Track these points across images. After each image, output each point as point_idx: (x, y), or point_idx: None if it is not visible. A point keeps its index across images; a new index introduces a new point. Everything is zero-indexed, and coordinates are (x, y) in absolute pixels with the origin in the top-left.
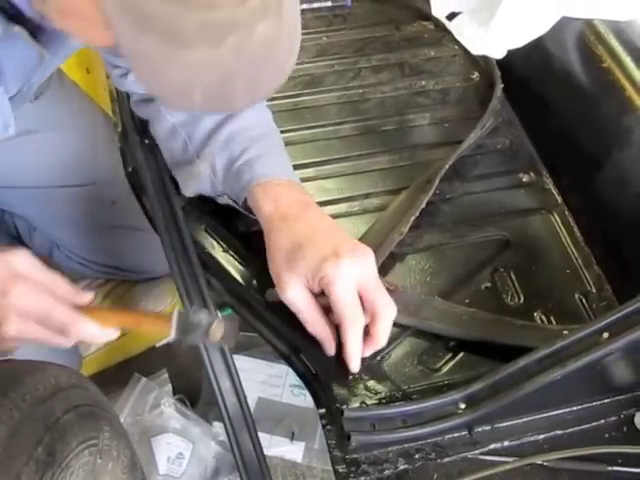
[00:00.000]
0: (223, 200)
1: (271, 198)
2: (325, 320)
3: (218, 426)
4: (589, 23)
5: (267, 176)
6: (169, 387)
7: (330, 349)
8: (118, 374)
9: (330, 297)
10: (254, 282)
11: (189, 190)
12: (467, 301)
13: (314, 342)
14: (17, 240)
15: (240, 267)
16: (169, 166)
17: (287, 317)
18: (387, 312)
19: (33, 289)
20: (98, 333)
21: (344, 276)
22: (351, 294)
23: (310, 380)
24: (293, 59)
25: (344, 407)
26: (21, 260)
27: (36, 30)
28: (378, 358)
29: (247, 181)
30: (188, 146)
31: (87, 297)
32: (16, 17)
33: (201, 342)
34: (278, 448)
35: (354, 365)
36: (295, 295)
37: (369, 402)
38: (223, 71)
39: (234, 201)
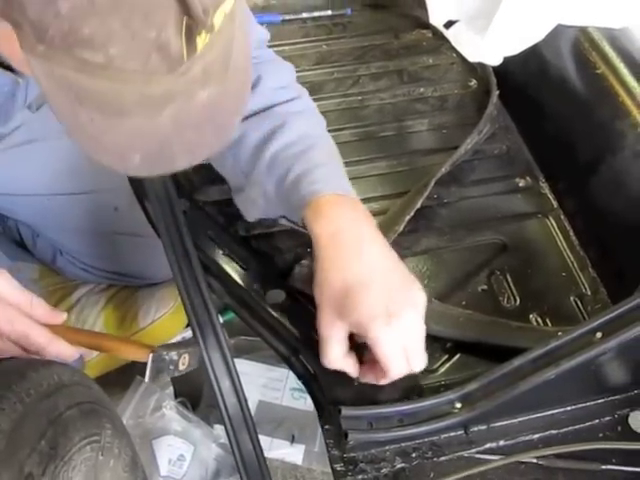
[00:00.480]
0: (283, 222)
1: (322, 217)
2: (350, 359)
3: (219, 429)
4: (584, 30)
5: (315, 194)
6: (171, 390)
7: (354, 376)
8: (120, 377)
9: (375, 353)
10: (254, 285)
11: (251, 216)
12: (464, 303)
13: (313, 344)
14: (21, 245)
15: (240, 270)
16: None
17: (287, 320)
18: (417, 368)
19: (12, 311)
20: (73, 354)
21: (392, 340)
22: (398, 353)
23: (309, 380)
24: (238, 117)
25: (342, 406)
26: (0, 282)
27: None
28: None
29: (297, 203)
30: (236, 169)
31: (62, 317)
32: None
33: (170, 376)
34: (278, 451)
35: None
36: (332, 336)
37: (366, 402)
38: (162, 137)
39: (294, 223)
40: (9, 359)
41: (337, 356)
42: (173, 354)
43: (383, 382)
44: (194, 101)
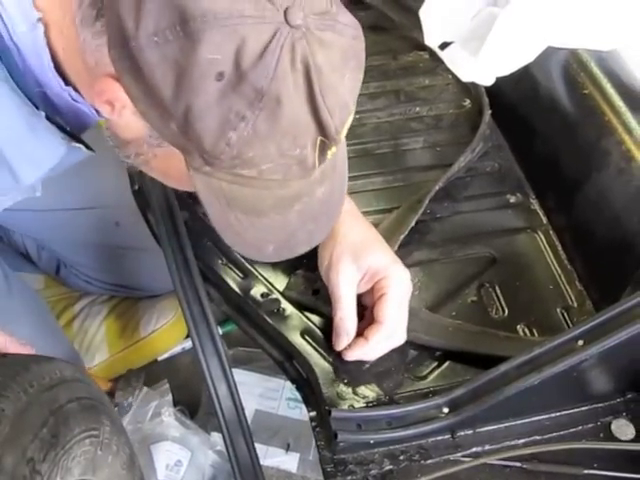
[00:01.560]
0: None
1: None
2: (355, 319)
3: (216, 436)
4: (573, 52)
5: None
6: (170, 397)
7: (343, 344)
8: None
9: (382, 297)
10: (251, 293)
11: None
12: (454, 314)
13: (306, 350)
14: (26, 258)
15: (238, 279)
16: None
17: (282, 326)
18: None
19: None
20: None
21: (403, 283)
22: (401, 302)
23: (302, 385)
24: (342, 205)
25: (332, 408)
26: None
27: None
28: (367, 365)
29: None
30: None
31: (31, 352)
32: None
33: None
34: (274, 459)
35: (349, 357)
36: (347, 281)
37: (357, 405)
38: (290, 230)
39: None
40: (14, 354)
41: (350, 306)
42: (130, 399)
43: (370, 336)
44: (314, 198)
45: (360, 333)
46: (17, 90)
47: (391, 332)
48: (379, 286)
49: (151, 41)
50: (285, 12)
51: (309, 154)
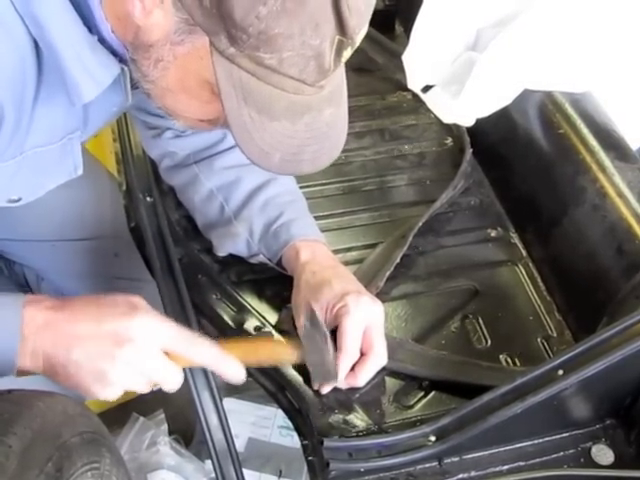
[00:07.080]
0: (256, 259)
1: (309, 251)
2: None
3: (210, 464)
4: (548, 94)
5: (303, 236)
6: (165, 427)
7: (316, 384)
8: (118, 415)
9: (340, 326)
10: (245, 326)
11: (224, 250)
12: (439, 344)
13: (298, 382)
14: (26, 290)
15: (231, 312)
16: (201, 228)
17: None
18: (377, 359)
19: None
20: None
21: (359, 310)
22: (358, 329)
23: (294, 415)
24: (343, 141)
25: (324, 438)
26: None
27: None
28: (357, 395)
29: (285, 240)
30: (225, 209)
31: None
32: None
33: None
34: None
35: (325, 390)
36: (303, 312)
37: (347, 435)
38: (297, 142)
39: (269, 259)
40: (19, 390)
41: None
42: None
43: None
44: (322, 116)
45: None
46: (75, 12)
47: (354, 356)
48: (336, 315)
49: None
50: None
51: (327, 50)
